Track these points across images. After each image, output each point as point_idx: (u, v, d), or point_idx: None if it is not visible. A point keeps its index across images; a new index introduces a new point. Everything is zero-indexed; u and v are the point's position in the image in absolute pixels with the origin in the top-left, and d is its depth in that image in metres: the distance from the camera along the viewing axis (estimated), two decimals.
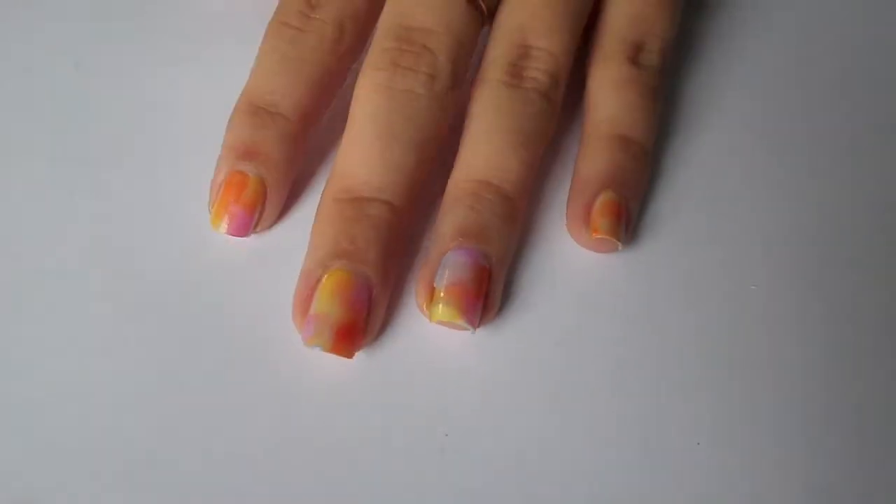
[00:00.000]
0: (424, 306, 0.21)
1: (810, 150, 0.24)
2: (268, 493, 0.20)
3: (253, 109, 0.22)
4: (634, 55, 0.24)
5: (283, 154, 0.22)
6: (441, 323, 0.21)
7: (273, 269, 0.22)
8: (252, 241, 0.23)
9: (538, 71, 0.22)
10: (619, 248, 0.22)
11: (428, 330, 0.22)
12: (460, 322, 0.20)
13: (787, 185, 0.24)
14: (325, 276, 0.20)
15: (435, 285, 0.21)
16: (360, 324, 0.20)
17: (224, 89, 0.24)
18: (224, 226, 0.22)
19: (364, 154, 0.21)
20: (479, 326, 0.21)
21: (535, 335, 0.22)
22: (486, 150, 0.22)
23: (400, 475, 0.20)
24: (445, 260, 0.21)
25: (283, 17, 0.23)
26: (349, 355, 0.20)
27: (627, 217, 0.22)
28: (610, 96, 0.23)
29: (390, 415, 0.21)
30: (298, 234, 0.22)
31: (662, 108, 0.24)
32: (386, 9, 0.23)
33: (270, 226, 0.23)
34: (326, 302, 0.20)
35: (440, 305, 0.20)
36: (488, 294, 0.21)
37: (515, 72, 0.22)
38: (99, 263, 0.22)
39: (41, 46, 0.26)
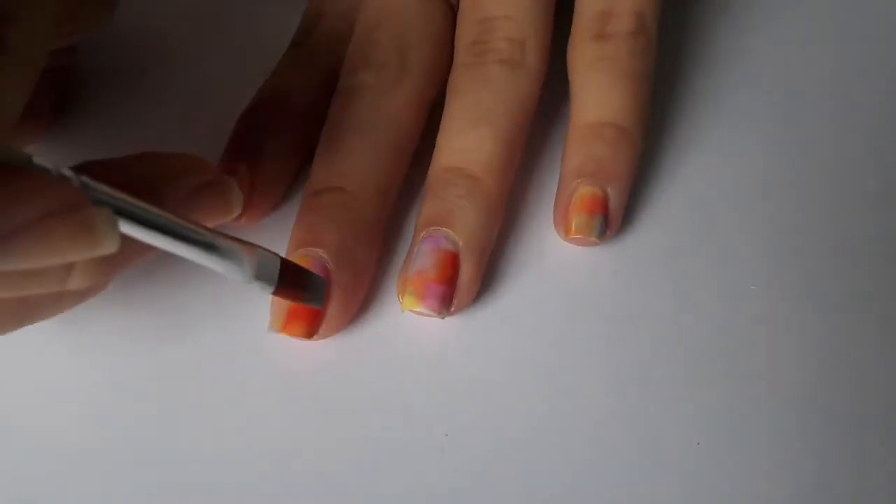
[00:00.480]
0: (399, 298, 0.21)
1: (810, 149, 0.24)
2: (268, 493, 0.20)
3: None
4: (600, 28, 0.22)
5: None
6: (413, 312, 0.21)
7: None
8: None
9: (499, 40, 0.22)
10: (597, 243, 0.22)
11: (428, 331, 0.22)
12: (420, 309, 0.20)
13: (786, 185, 0.24)
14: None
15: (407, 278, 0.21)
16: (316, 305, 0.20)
17: (223, 91, 0.24)
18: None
19: (319, 153, 0.22)
20: (453, 311, 0.21)
21: (536, 335, 0.22)
22: (446, 136, 0.22)
23: (400, 475, 0.20)
24: (416, 251, 0.21)
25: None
26: (307, 335, 0.20)
27: (606, 208, 0.22)
28: (576, 83, 0.23)
29: (390, 415, 0.21)
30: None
31: (654, 68, 0.23)
32: (358, 14, 0.24)
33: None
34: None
35: (406, 296, 0.21)
36: (459, 276, 0.21)
37: (476, 50, 0.22)
38: None
39: None
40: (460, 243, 0.21)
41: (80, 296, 0.18)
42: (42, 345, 0.21)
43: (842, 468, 0.20)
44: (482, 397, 0.21)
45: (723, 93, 0.25)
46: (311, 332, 0.20)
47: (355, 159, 0.22)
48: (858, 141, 0.24)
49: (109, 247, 0.15)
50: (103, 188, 0.15)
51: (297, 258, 0.21)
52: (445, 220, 0.21)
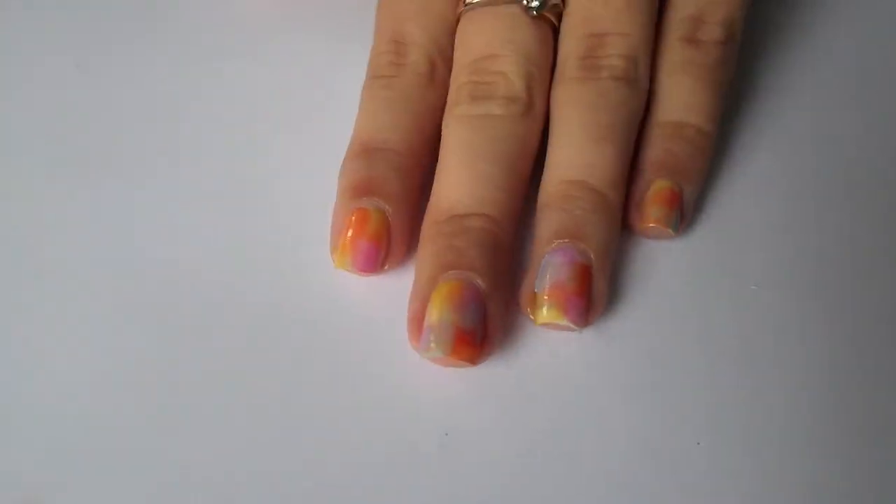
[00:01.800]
0: (528, 310, 0.21)
1: (814, 150, 0.24)
2: (267, 492, 0.20)
3: (363, 150, 0.22)
4: (691, 33, 0.23)
5: (400, 186, 0.22)
6: (546, 325, 0.21)
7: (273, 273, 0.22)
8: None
9: (613, 57, 0.22)
10: (673, 235, 0.22)
11: None
12: (564, 322, 0.20)
13: (789, 184, 0.24)
14: (435, 289, 0.20)
15: (535, 290, 0.21)
16: (479, 328, 0.20)
17: (230, 89, 0.24)
18: (350, 261, 0.21)
19: (454, 178, 0.22)
20: (586, 325, 0.21)
21: (535, 334, 0.22)
22: (568, 151, 0.22)
23: (400, 475, 0.20)
24: (544, 263, 0.21)
25: (374, 72, 0.23)
26: (473, 361, 0.20)
27: (681, 204, 0.22)
28: (667, 81, 0.23)
29: (390, 415, 0.21)
30: None
31: (732, 78, 0.24)
32: (456, 45, 0.23)
33: (400, 261, 0.22)
34: (440, 310, 0.20)
35: (544, 308, 0.20)
36: (591, 291, 0.21)
37: (589, 64, 0.22)
38: (95, 262, 0.23)
39: (41, 46, 0.26)
40: (591, 256, 0.21)
41: None
42: (44, 344, 0.21)
43: (842, 468, 0.20)
44: (482, 397, 0.21)
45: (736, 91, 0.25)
46: (477, 358, 0.20)
47: (495, 186, 0.21)
48: (867, 142, 0.24)
49: None
50: None
51: (452, 280, 0.20)
52: (576, 233, 0.21)
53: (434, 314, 0.20)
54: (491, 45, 0.22)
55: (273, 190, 0.24)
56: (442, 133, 0.22)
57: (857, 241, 0.23)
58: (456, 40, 0.23)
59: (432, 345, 0.19)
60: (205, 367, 0.21)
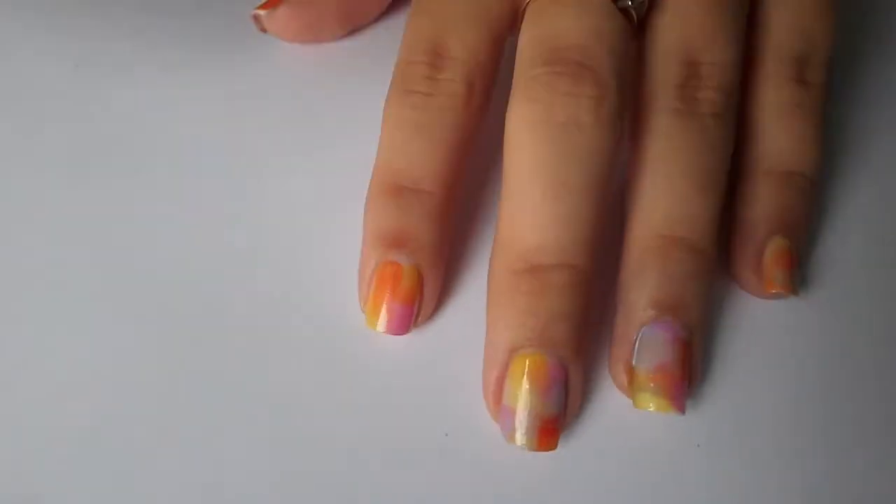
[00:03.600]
0: (626, 387, 0.20)
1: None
2: (267, 493, 0.20)
3: (392, 188, 0.20)
4: (800, 73, 0.21)
5: (435, 235, 0.20)
6: (646, 410, 0.19)
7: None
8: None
9: (711, 89, 0.20)
10: (793, 297, 0.21)
11: (427, 330, 0.22)
12: (670, 411, 0.19)
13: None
14: (514, 360, 0.19)
15: (634, 364, 0.19)
16: (561, 412, 0.19)
17: (227, 89, 0.24)
18: (384, 325, 0.20)
19: (532, 212, 0.19)
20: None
21: None
22: (668, 200, 0.19)
23: (400, 475, 0.20)
24: (642, 336, 0.19)
25: (404, 84, 0.20)
26: (553, 448, 0.19)
27: (797, 260, 0.21)
28: (775, 125, 0.21)
29: (390, 415, 0.21)
30: None
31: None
32: (525, 34, 0.20)
33: (430, 315, 0.21)
34: (524, 395, 0.18)
35: (648, 394, 0.19)
36: (692, 370, 0.19)
37: (686, 95, 0.20)
38: (94, 263, 0.23)
39: (41, 46, 0.26)
40: (693, 329, 0.19)
41: None
42: (45, 343, 0.21)
43: (842, 470, 0.20)
44: (482, 398, 0.21)
45: None
46: (557, 443, 0.19)
47: (583, 223, 0.19)
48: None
49: None
50: None
51: (534, 356, 0.18)
52: (678, 303, 0.19)
53: (518, 398, 0.18)
54: (574, 32, 0.19)
55: (271, 188, 0.24)
56: (508, 137, 0.19)
57: (856, 242, 0.23)
58: (525, 24, 0.20)
59: (519, 437, 0.18)
60: (205, 368, 0.21)
